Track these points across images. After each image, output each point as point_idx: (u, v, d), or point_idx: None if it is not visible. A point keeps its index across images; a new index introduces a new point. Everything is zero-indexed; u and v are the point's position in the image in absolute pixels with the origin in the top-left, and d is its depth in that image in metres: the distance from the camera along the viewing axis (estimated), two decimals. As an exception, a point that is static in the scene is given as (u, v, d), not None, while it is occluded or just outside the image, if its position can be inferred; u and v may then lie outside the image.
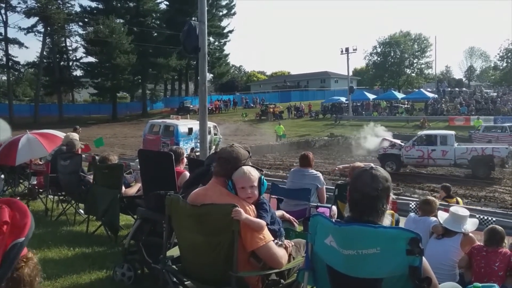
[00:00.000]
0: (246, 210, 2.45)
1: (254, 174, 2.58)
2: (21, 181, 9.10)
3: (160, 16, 54.26)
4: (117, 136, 33.76)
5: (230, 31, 58.77)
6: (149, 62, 48.56)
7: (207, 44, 8.90)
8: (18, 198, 7.24)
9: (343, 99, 45.86)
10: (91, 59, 49.86)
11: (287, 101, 51.99)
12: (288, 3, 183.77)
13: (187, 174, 4.52)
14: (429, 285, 1.74)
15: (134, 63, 46.34)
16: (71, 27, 52.89)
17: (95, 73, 48.43)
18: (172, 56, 48.97)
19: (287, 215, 3.61)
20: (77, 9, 55.43)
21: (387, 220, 1.98)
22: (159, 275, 2.89)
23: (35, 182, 8.38)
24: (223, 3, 56.82)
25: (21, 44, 48.77)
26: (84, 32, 50.89)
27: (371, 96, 46.64)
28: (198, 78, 9.78)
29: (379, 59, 59.60)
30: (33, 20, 48.87)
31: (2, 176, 8.65)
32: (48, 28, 48.30)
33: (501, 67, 60.01)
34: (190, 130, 20.07)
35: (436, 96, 43.73)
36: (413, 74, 59.70)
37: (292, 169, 6.65)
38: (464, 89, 52.63)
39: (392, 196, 2.02)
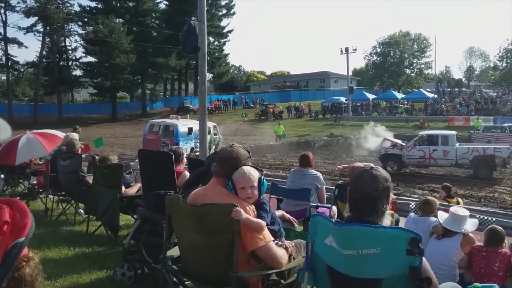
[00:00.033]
0: (246, 210, 2.45)
1: (254, 174, 2.58)
2: (21, 181, 9.10)
3: (159, 15, 54.23)
4: (116, 136, 33.75)
5: (230, 31, 58.84)
6: (148, 62, 48.56)
7: (207, 44, 8.91)
8: (18, 198, 7.23)
9: (342, 99, 45.86)
10: (90, 58, 49.93)
11: (287, 101, 51.99)
12: (288, 3, 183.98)
13: (187, 174, 4.51)
14: (429, 285, 1.74)
15: (133, 63, 46.32)
16: (70, 26, 52.95)
17: (95, 73, 48.41)
18: (171, 56, 48.95)
19: (287, 215, 3.61)
20: (77, 8, 55.46)
21: (387, 220, 1.98)
22: (159, 275, 2.89)
23: (35, 182, 8.38)
24: (223, 3, 56.84)
25: (20, 44, 48.79)
26: (83, 31, 50.91)
27: (371, 96, 46.65)
28: (198, 78, 9.77)
29: (378, 59, 59.62)
30: (32, 19, 48.91)
31: (2, 176, 8.65)
32: (48, 28, 48.27)
33: (500, 67, 60.05)
34: (190, 130, 20.06)
35: (435, 96, 43.74)
36: (413, 74, 59.73)
37: (292, 169, 6.65)
38: (463, 89, 52.66)
39: (392, 196, 2.02)
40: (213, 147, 19.32)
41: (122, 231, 5.74)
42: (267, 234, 2.48)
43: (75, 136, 7.68)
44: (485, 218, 5.97)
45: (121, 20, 49.28)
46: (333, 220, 2.06)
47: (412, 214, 4.93)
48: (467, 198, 12.18)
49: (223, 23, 57.79)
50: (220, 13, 57.18)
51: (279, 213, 3.45)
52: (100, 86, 48.65)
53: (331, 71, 71.88)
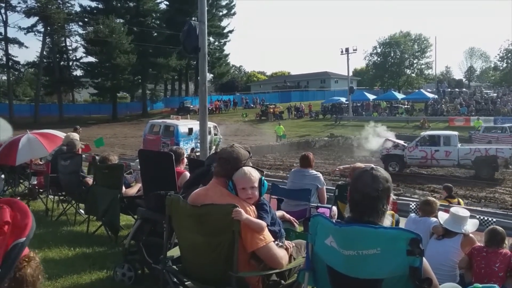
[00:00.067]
0: (246, 211, 2.45)
1: (255, 175, 2.59)
2: (21, 181, 9.11)
3: (160, 16, 54.28)
4: (117, 136, 33.77)
5: (230, 31, 58.87)
6: (149, 62, 48.58)
7: (207, 44, 8.91)
8: (19, 198, 7.24)
9: (343, 99, 45.88)
10: (91, 59, 50.02)
11: (287, 101, 52.00)
12: (288, 3, 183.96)
13: (187, 174, 4.52)
14: (430, 286, 1.74)
15: (134, 63, 46.36)
16: (71, 27, 53.05)
17: (95, 73, 48.45)
18: (172, 56, 48.98)
19: (288, 216, 3.61)
20: (77, 9, 55.48)
21: (387, 221, 1.98)
22: (160, 275, 2.89)
23: (36, 182, 8.39)
24: (223, 3, 56.89)
25: (21, 44, 48.87)
26: (84, 32, 51.00)
27: (371, 97, 46.66)
28: (198, 78, 9.78)
29: (379, 59, 59.61)
30: (33, 19, 49.02)
31: (3, 176, 8.66)
32: (48, 28, 48.32)
33: (501, 68, 60.02)
34: (190, 130, 20.07)
35: (436, 96, 43.75)
36: (413, 75, 59.71)
37: (292, 170, 6.66)
38: (464, 89, 52.66)
39: (392, 197, 2.02)
40: (214, 147, 19.33)
41: (122, 231, 5.75)
42: (267, 235, 2.48)
43: (75, 136, 7.68)
44: (486, 218, 5.96)
45: (121, 20, 49.33)
46: (334, 221, 2.07)
47: (412, 215, 4.93)
48: (468, 199, 12.18)
49: (223, 23, 57.95)
50: (221, 13, 57.23)
51: (279, 213, 3.45)
52: (101, 86, 48.70)
53: (331, 71, 71.91)
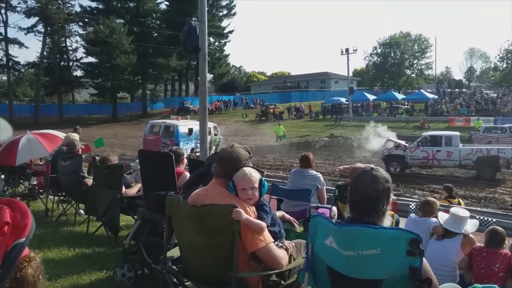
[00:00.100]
0: (246, 212, 2.45)
1: (255, 175, 2.59)
2: (21, 181, 9.10)
3: (160, 16, 54.29)
4: (117, 137, 33.77)
5: (230, 32, 58.89)
6: (149, 62, 48.59)
7: (207, 45, 8.91)
8: (19, 198, 7.24)
9: (343, 99, 45.88)
10: (91, 59, 50.03)
11: (287, 101, 52.00)
12: (288, 4, 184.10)
13: (187, 174, 4.52)
14: (430, 286, 1.74)
15: (134, 63, 46.37)
16: (71, 27, 53.08)
17: (95, 73, 48.46)
18: (172, 57, 48.98)
19: (287, 216, 3.61)
20: (77, 9, 55.55)
21: (387, 221, 1.98)
22: (159, 276, 2.89)
23: (35, 183, 8.39)
24: (223, 3, 56.93)
25: (21, 44, 48.89)
26: (84, 32, 51.02)
27: (371, 97, 46.65)
28: (198, 78, 9.78)
29: (379, 59, 59.59)
30: (33, 20, 49.06)
31: (2, 176, 8.66)
32: (48, 28, 48.33)
33: (501, 68, 60.03)
34: (190, 130, 20.08)
35: (436, 97, 43.74)
36: (413, 75, 59.68)
37: (292, 170, 6.66)
38: (464, 90, 52.63)
39: (392, 197, 2.02)
40: (214, 147, 19.33)
41: (122, 231, 5.74)
42: (267, 236, 2.48)
43: (75, 136, 7.68)
44: (485, 219, 5.96)
45: (121, 21, 49.33)
46: (333, 221, 2.06)
47: (412, 215, 4.93)
48: (467, 199, 12.19)
49: (223, 24, 57.97)
50: (221, 14, 57.26)
51: (279, 213, 3.45)
52: (101, 87, 48.71)
53: (331, 71, 71.96)
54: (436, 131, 22.57)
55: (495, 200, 12.62)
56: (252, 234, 2.42)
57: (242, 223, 2.38)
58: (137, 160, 5.65)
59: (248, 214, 2.45)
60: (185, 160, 5.12)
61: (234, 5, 57.75)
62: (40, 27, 48.94)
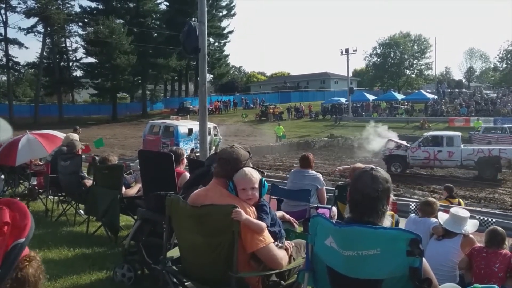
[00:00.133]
0: (246, 212, 2.45)
1: (255, 176, 2.59)
2: (21, 181, 9.10)
3: (160, 16, 54.27)
4: (117, 137, 33.77)
5: (230, 32, 58.88)
6: (149, 62, 48.59)
7: (207, 45, 8.91)
8: (18, 198, 7.24)
9: (343, 100, 45.89)
10: (91, 59, 49.99)
11: (287, 102, 52.00)
12: (288, 4, 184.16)
13: (187, 174, 4.52)
14: (429, 286, 1.74)
15: (134, 64, 46.36)
16: (71, 27, 53.10)
17: (95, 74, 48.45)
18: (172, 57, 48.99)
19: (287, 216, 3.61)
20: (77, 9, 55.66)
21: (387, 221, 1.98)
22: (159, 276, 2.89)
23: (35, 183, 8.39)
24: (223, 3, 56.92)
25: (21, 45, 48.89)
26: (84, 32, 50.99)
27: (371, 97, 46.65)
28: (198, 78, 9.79)
29: (379, 60, 59.62)
30: (33, 20, 49.02)
31: (2, 176, 8.65)
32: (48, 29, 48.32)
33: (501, 68, 60.10)
34: (190, 130, 20.08)
35: (436, 97, 43.77)
36: (413, 75, 59.72)
37: (292, 170, 6.66)
38: (464, 90, 52.67)
39: (392, 197, 2.02)
40: (213, 148, 19.33)
41: (122, 231, 5.74)
42: (267, 236, 2.48)
43: (75, 137, 7.68)
44: (485, 219, 5.97)
45: (121, 21, 49.31)
46: (333, 221, 2.06)
47: (412, 215, 4.93)
48: (467, 199, 12.19)
49: (223, 24, 57.94)
50: (221, 14, 57.24)
51: (279, 214, 3.45)
52: (101, 87, 48.71)
53: (331, 72, 71.96)
54: (437, 131, 22.52)
55: (495, 200, 12.63)
56: (252, 234, 2.42)
57: (242, 223, 2.38)
58: (137, 160, 5.65)
59: (248, 214, 2.45)
60: (185, 160, 5.12)
61: (234, 6, 57.86)
62: (40, 28, 49.01)
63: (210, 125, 18.49)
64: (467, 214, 4.07)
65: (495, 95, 44.15)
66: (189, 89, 61.39)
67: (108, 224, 5.55)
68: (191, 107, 44.75)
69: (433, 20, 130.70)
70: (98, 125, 42.78)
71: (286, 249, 2.66)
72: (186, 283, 2.81)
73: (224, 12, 57.57)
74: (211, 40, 54.52)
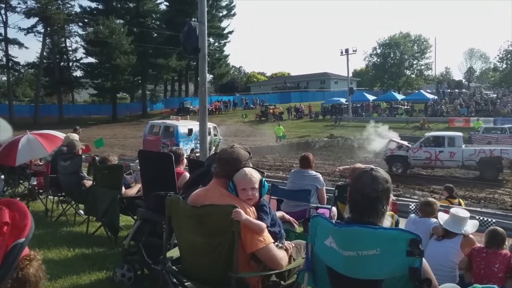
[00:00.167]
0: (246, 212, 2.45)
1: (255, 176, 2.58)
2: (21, 181, 9.10)
3: (160, 16, 54.27)
4: (117, 137, 33.77)
5: (230, 32, 58.87)
6: (149, 62, 48.59)
7: (207, 45, 8.91)
8: (18, 198, 7.24)
9: (343, 100, 45.89)
10: (91, 59, 49.98)
11: (287, 102, 52.00)
12: (288, 4, 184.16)
13: (187, 175, 4.52)
14: (429, 286, 1.74)
15: (134, 64, 46.35)
16: (71, 27, 53.09)
17: (95, 74, 48.44)
18: (172, 57, 48.98)
19: (287, 216, 3.61)
20: (77, 9, 55.61)
21: (387, 221, 1.98)
22: (159, 276, 2.89)
23: (35, 183, 8.38)
24: (223, 4, 56.92)
25: (21, 45, 48.87)
26: (84, 32, 50.97)
27: (371, 97, 46.66)
28: (198, 79, 9.79)
29: (379, 60, 59.64)
30: (33, 20, 49.01)
31: (2, 176, 8.65)
32: (48, 29, 48.32)
33: (500, 69, 60.12)
34: (190, 131, 20.08)
35: (435, 97, 43.79)
36: (413, 76, 59.73)
37: (292, 170, 6.66)
38: (463, 90, 52.71)
39: (392, 197, 2.02)
40: (213, 148, 19.33)
41: (122, 232, 5.74)
42: (267, 236, 2.48)
43: (75, 137, 7.69)
44: (485, 219, 5.97)
45: (121, 21, 49.31)
46: (333, 221, 2.06)
47: (412, 215, 4.93)
48: (467, 199, 12.19)
49: (223, 24, 57.95)
50: (221, 14, 57.25)
51: (279, 214, 3.45)
52: (101, 87, 48.71)
53: (331, 72, 71.98)
54: (439, 132, 22.49)
55: (494, 201, 12.63)
56: (252, 234, 2.42)
57: (242, 223, 2.38)
58: (137, 161, 5.65)
59: (248, 214, 2.45)
60: (185, 161, 5.12)
61: (234, 6, 57.85)
62: (40, 28, 49.01)
63: (210, 125, 18.49)
64: (467, 214, 4.07)
65: (495, 95, 44.18)
66: (189, 89, 61.39)
67: (108, 224, 5.55)
68: (191, 107, 44.75)
69: (433, 20, 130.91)
70: (98, 125, 42.78)
71: (286, 250, 2.66)
72: (186, 283, 2.81)
73: (224, 12, 57.61)
74: (211, 40, 54.51)
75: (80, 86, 54.39)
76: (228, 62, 62.25)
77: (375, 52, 60.02)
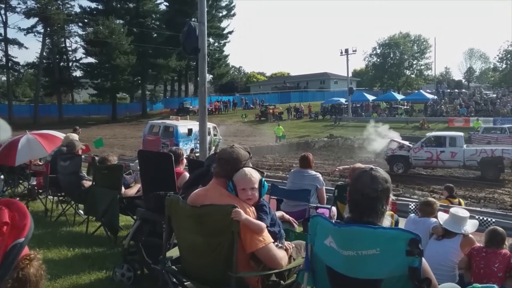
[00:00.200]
0: (246, 212, 2.45)
1: (255, 176, 2.59)
2: (20, 181, 9.10)
3: (160, 17, 54.26)
4: (116, 137, 33.77)
5: (230, 32, 58.86)
6: (148, 63, 48.59)
7: (207, 45, 8.91)
8: (18, 198, 7.23)
9: (342, 100, 45.92)
10: (90, 59, 49.99)
11: (287, 102, 52.01)
12: (288, 4, 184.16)
13: (187, 175, 4.52)
14: (429, 286, 1.74)
15: (133, 64, 46.35)
16: (70, 27, 53.04)
17: (95, 74, 48.45)
18: (172, 57, 48.98)
19: (287, 216, 3.61)
20: (77, 9, 55.58)
21: (386, 221, 1.98)
22: (159, 276, 2.89)
23: (35, 183, 8.38)
24: (223, 4, 56.90)
25: (20, 45, 48.87)
26: (83, 32, 50.99)
27: (371, 97, 46.68)
28: (198, 79, 9.78)
29: (378, 60, 59.67)
30: (33, 20, 49.00)
31: (2, 176, 8.66)
32: (48, 29, 48.31)
33: (500, 69, 60.13)
34: (190, 131, 20.09)
35: (435, 97, 43.81)
36: (413, 76, 59.77)
37: (292, 170, 6.66)
38: (463, 90, 52.74)
39: (391, 197, 2.02)
40: (213, 148, 19.33)
41: (121, 231, 5.74)
42: (267, 236, 2.48)
43: (75, 137, 7.69)
44: (485, 219, 5.96)
45: (121, 21, 49.31)
46: (333, 221, 2.07)
47: (412, 215, 4.93)
48: (467, 199, 12.19)
49: (223, 24, 57.95)
50: (220, 14, 57.24)
51: (278, 213, 3.45)
52: (100, 87, 48.72)
53: (331, 72, 71.98)
54: (440, 132, 22.45)
55: (494, 200, 12.63)
56: (252, 234, 2.42)
57: (241, 223, 2.38)
58: (137, 161, 5.65)
59: (248, 214, 2.45)
60: (185, 161, 5.12)
61: (234, 6, 57.84)
62: (39, 28, 48.99)
63: (209, 125, 18.51)
64: (467, 214, 4.07)
65: (495, 95, 44.21)
66: (189, 89, 61.38)
67: (108, 224, 5.55)
68: (191, 107, 44.73)
69: (433, 20, 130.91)
70: (98, 125, 42.77)
71: (286, 250, 2.66)
72: (185, 283, 2.81)
73: (224, 13, 57.60)
74: (211, 40, 54.50)
75: (79, 86, 54.37)
76: (227, 62, 62.33)
77: (375, 52, 60.13)
